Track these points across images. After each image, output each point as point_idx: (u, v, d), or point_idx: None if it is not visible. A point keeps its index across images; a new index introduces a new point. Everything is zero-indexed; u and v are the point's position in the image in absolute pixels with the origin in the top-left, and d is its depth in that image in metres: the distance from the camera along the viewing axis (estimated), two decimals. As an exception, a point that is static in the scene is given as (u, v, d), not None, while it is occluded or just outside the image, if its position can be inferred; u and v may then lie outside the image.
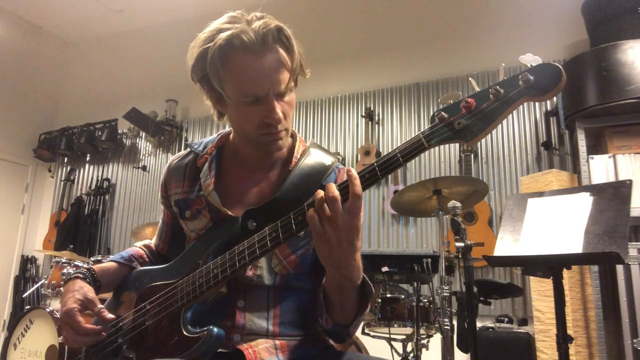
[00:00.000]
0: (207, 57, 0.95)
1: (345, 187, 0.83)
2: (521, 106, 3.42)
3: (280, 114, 0.97)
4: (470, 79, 0.87)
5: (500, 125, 3.49)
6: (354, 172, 0.83)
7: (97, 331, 0.99)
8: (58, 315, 2.70)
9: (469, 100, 0.81)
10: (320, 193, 0.83)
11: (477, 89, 0.83)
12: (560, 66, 0.77)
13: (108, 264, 1.16)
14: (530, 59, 0.79)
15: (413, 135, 0.84)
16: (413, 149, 0.83)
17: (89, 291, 1.03)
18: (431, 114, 0.88)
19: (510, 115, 3.47)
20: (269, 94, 0.95)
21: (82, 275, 1.07)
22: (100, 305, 1.01)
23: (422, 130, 0.84)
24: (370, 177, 0.83)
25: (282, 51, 0.96)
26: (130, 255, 1.20)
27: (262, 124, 0.98)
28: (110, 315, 1.01)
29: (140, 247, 1.25)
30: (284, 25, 0.97)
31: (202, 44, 0.97)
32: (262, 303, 1.02)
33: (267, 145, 1.02)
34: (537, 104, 3.41)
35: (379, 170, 0.83)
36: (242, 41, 0.92)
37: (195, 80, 1.02)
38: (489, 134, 3.43)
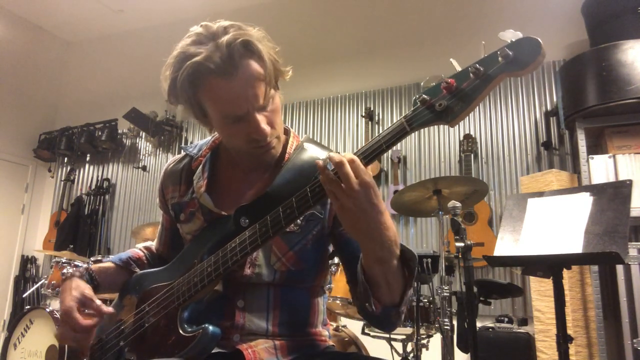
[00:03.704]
0: (177, 87, 0.93)
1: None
2: (521, 106, 3.45)
3: (267, 127, 0.96)
4: (451, 59, 0.85)
5: (500, 125, 3.51)
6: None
7: (93, 325, 0.97)
8: (58, 315, 2.70)
9: (449, 80, 0.80)
10: (320, 163, 0.81)
11: (459, 69, 0.82)
12: (538, 39, 0.76)
13: (106, 264, 1.16)
14: (510, 35, 0.78)
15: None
16: (396, 134, 0.82)
17: (86, 288, 1.03)
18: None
19: (511, 115, 3.49)
20: (249, 112, 0.94)
21: (79, 274, 1.07)
22: (98, 302, 1.00)
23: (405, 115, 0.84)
24: None
25: (252, 63, 0.92)
26: (128, 258, 1.20)
27: (250, 139, 0.98)
28: (109, 309, 1.00)
29: (140, 249, 1.26)
30: (250, 36, 0.92)
31: (170, 71, 0.94)
32: (262, 303, 1.01)
33: (260, 156, 1.03)
34: (537, 103, 3.41)
35: (363, 157, 0.83)
36: (209, 66, 0.89)
37: (175, 105, 1.00)
38: (488, 134, 3.45)
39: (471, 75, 0.79)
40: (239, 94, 0.92)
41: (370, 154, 0.83)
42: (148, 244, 1.28)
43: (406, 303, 0.92)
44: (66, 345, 2.57)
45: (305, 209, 0.85)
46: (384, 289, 0.88)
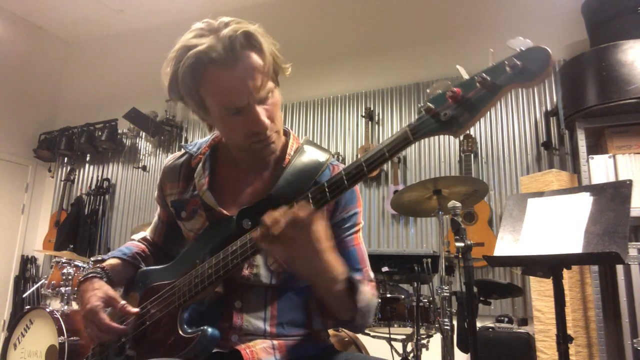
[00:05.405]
0: (178, 78, 0.94)
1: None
2: (521, 106, 3.45)
3: (267, 120, 0.96)
4: (458, 66, 0.84)
5: (500, 125, 3.52)
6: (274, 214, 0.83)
7: (119, 330, 0.99)
8: (58, 315, 2.70)
9: (455, 89, 0.78)
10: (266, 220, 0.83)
11: (466, 77, 0.79)
12: (547, 49, 0.73)
13: (113, 261, 1.15)
14: (519, 43, 0.76)
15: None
16: (399, 143, 0.81)
17: (109, 289, 1.03)
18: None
19: (511, 115, 3.49)
20: (250, 104, 0.94)
21: (98, 275, 1.07)
22: (122, 301, 1.01)
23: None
24: (357, 173, 0.83)
25: (253, 55, 0.93)
26: (134, 253, 1.19)
27: (250, 133, 0.98)
28: (134, 309, 1.01)
29: (139, 241, 1.25)
30: (251, 29, 0.94)
31: (171, 65, 0.95)
32: (260, 303, 1.02)
33: (260, 151, 1.03)
34: (537, 103, 3.41)
35: (365, 165, 0.83)
36: (211, 56, 0.90)
37: (175, 101, 1.01)
38: (488, 134, 3.45)
39: (477, 84, 0.76)
40: (239, 84, 0.92)
41: (372, 162, 0.82)
42: (143, 234, 1.28)
43: (363, 317, 1.00)
44: (66, 345, 2.57)
45: None
46: (334, 311, 0.99)
